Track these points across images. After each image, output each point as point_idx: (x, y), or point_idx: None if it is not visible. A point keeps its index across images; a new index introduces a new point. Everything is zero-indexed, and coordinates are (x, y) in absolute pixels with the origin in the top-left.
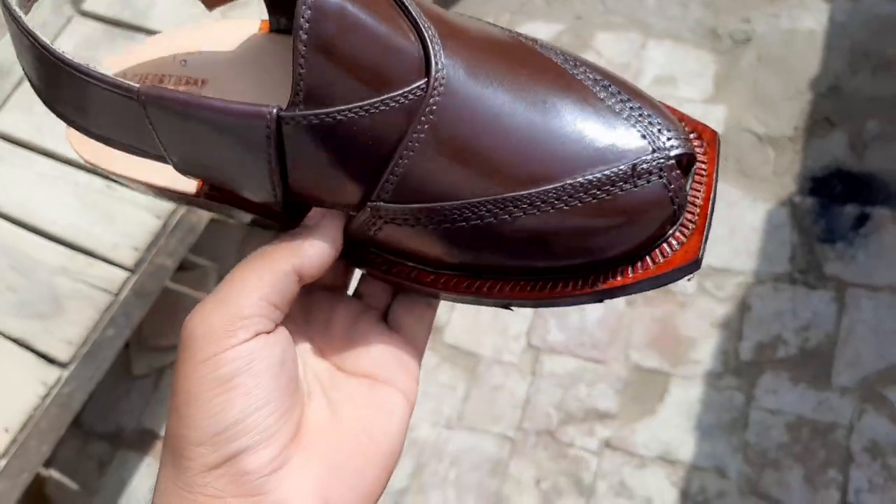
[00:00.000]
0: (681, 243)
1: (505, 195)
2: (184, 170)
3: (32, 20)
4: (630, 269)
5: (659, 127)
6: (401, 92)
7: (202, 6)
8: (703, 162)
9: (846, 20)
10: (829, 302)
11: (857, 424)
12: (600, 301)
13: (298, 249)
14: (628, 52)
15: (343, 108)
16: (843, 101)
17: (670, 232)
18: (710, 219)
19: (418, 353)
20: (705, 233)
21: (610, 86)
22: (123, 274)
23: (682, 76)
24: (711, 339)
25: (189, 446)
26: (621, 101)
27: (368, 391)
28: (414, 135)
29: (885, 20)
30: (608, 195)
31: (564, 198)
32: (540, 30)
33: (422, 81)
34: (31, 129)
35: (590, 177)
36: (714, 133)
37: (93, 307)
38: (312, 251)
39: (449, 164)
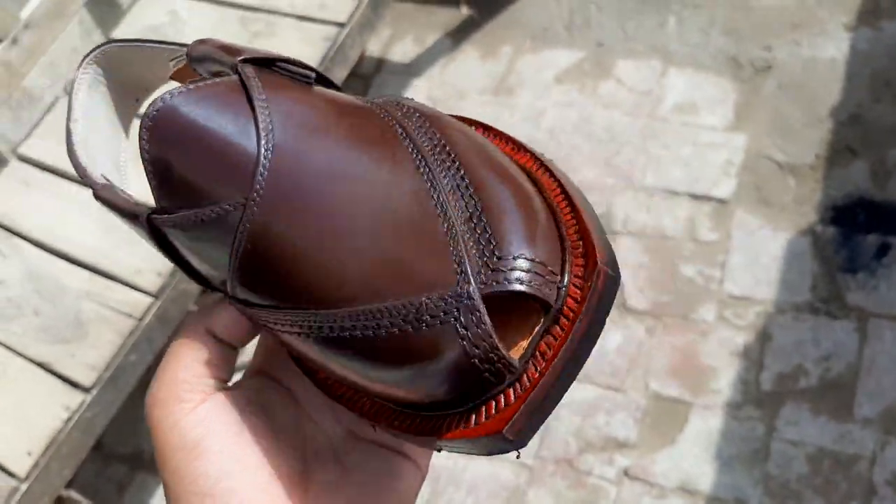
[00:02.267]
0: (502, 407)
1: (310, 310)
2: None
3: (61, 45)
4: (456, 421)
5: (489, 259)
6: (225, 201)
7: (229, 33)
8: (570, 310)
9: (868, 48)
10: (850, 332)
11: (879, 456)
12: (437, 450)
13: (208, 312)
14: (649, 80)
15: (178, 215)
16: (865, 130)
17: (498, 391)
18: (550, 391)
19: None
20: (527, 406)
21: (465, 186)
22: (147, 299)
23: (702, 104)
24: (732, 368)
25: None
26: (463, 213)
27: (380, 457)
28: (238, 244)
29: None
30: (400, 332)
31: (367, 323)
32: (561, 57)
33: (239, 196)
34: (59, 154)
35: (388, 305)
36: (599, 269)
37: (116, 332)
38: (223, 314)
39: (271, 273)
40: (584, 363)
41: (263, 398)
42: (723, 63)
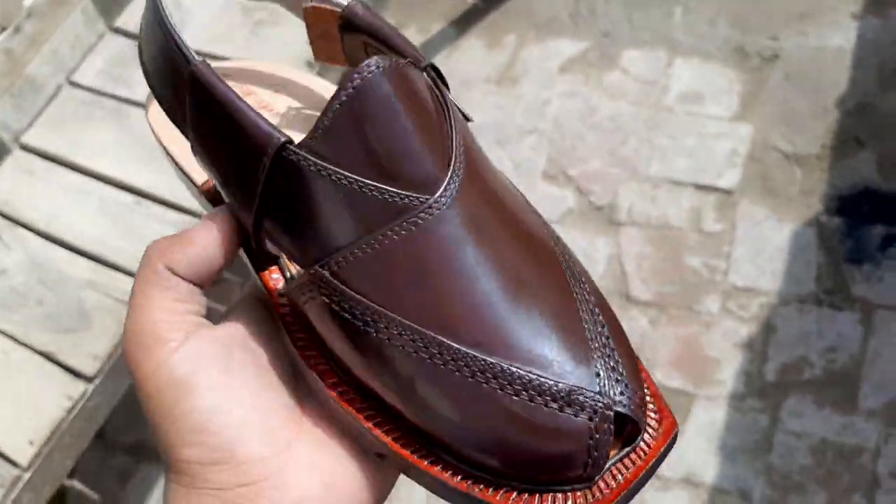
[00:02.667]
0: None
1: (440, 337)
2: (195, 155)
3: (64, 33)
4: (514, 492)
5: (619, 379)
6: (399, 190)
7: (232, 22)
8: (647, 445)
9: (875, 38)
10: (855, 324)
11: (883, 448)
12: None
13: (167, 250)
14: (655, 70)
15: (342, 172)
16: (872, 120)
17: (570, 488)
18: None
19: None
20: None
21: (598, 314)
22: None
23: (708, 94)
24: (735, 360)
25: (180, 450)
26: (600, 332)
27: None
28: (389, 232)
29: None
30: (530, 400)
31: (489, 375)
32: (566, 47)
33: (423, 195)
34: (63, 143)
35: (523, 371)
36: (674, 424)
37: (119, 322)
38: (186, 251)
39: (405, 278)
40: (640, 491)
41: (251, 334)
42: (729, 53)
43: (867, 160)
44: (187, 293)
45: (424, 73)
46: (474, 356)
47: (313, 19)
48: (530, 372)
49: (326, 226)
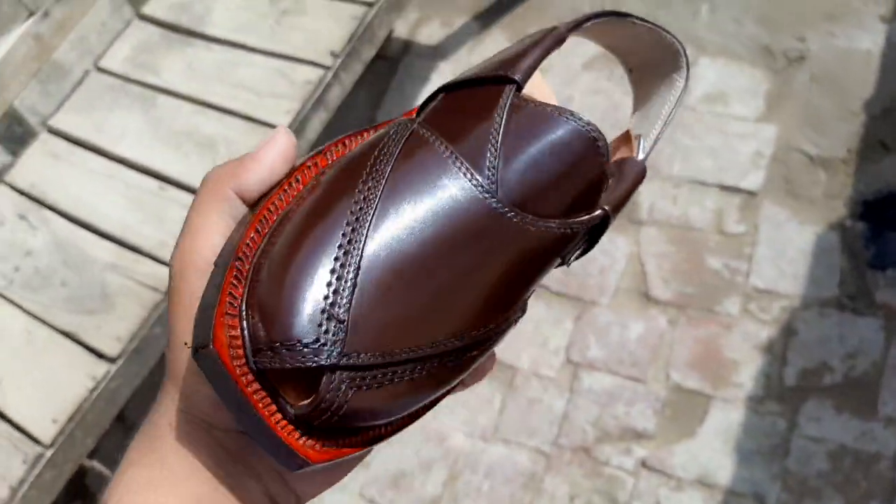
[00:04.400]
0: None
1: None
2: None
3: (92, 19)
4: None
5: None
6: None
7: (258, 11)
8: None
9: None
10: (877, 330)
11: None
12: None
13: (238, 171)
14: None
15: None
16: None
17: None
18: None
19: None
20: None
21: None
22: None
23: (733, 94)
24: (755, 362)
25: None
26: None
27: None
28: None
29: None
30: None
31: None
32: (590, 43)
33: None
34: (89, 128)
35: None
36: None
37: (141, 304)
38: (255, 172)
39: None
40: None
41: None
42: (756, 53)
43: (893, 165)
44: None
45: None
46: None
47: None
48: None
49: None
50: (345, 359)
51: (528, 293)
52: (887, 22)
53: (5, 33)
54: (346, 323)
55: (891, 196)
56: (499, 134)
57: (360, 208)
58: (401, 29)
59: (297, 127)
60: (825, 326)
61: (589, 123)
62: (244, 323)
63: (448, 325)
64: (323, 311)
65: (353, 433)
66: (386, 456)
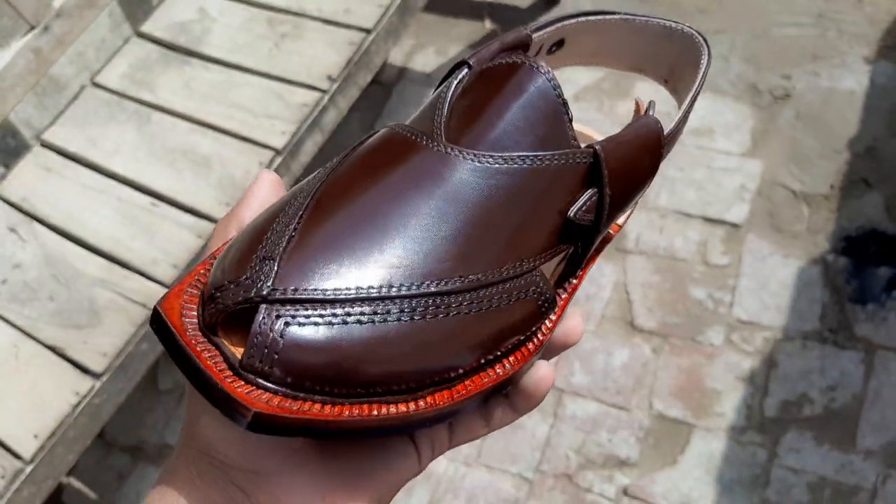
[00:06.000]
0: None
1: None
2: None
3: (91, 35)
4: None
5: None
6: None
7: (257, 34)
8: None
9: (887, 82)
10: (857, 363)
11: (880, 489)
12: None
13: (235, 215)
14: (667, 102)
15: None
16: (881, 163)
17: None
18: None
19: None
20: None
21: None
22: (162, 290)
23: (720, 129)
24: (737, 392)
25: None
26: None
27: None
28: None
29: None
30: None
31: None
32: (581, 75)
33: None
34: (83, 142)
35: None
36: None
37: (129, 320)
38: (245, 213)
39: None
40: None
41: None
42: (742, 90)
43: (875, 202)
44: None
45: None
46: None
47: None
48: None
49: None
50: (276, 293)
51: (514, 241)
52: (871, 63)
53: (5, 46)
54: (278, 259)
55: (872, 232)
56: (446, 101)
57: (319, 179)
58: (396, 56)
59: (292, 148)
60: (806, 359)
61: (530, 59)
62: (202, 295)
63: (408, 268)
64: (256, 254)
65: (314, 395)
66: None
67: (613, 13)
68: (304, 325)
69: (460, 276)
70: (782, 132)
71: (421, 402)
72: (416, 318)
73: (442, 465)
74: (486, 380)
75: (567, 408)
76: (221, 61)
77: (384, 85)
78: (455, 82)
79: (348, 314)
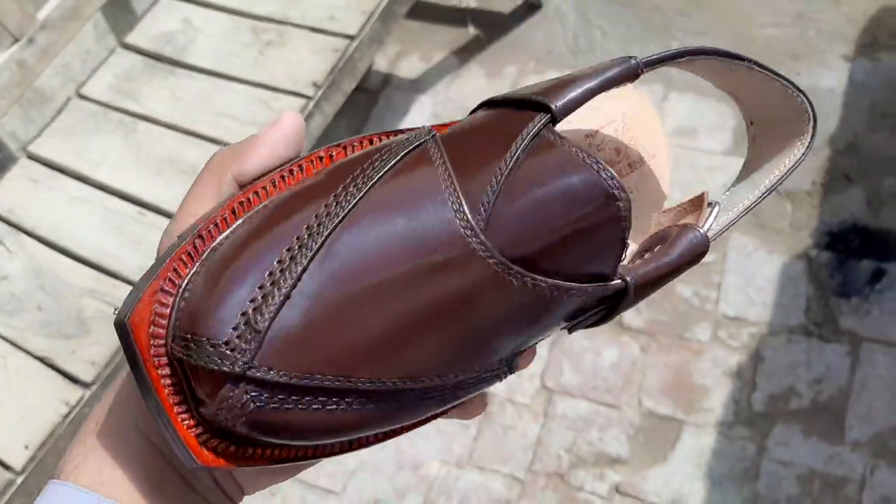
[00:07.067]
0: None
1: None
2: None
3: (75, 47)
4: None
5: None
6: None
7: (242, 42)
8: None
9: (865, 80)
10: (843, 356)
11: (869, 480)
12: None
13: (237, 154)
14: (651, 103)
15: None
16: (861, 159)
17: None
18: None
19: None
20: None
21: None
22: None
23: (702, 128)
24: (724, 388)
25: None
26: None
27: None
28: None
29: None
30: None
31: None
32: None
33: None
34: (69, 153)
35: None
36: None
37: None
38: (256, 155)
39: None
40: None
41: None
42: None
43: (856, 197)
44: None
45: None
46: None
47: None
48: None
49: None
50: (251, 371)
51: (509, 349)
52: (850, 61)
53: None
54: (263, 334)
55: (854, 227)
56: (507, 168)
57: (327, 215)
58: (381, 62)
59: None
60: (792, 353)
61: (613, 177)
62: (176, 302)
63: (395, 363)
64: (243, 314)
65: (264, 446)
66: (360, 483)
67: (739, 58)
68: (275, 408)
69: (438, 375)
70: None
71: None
72: (380, 408)
73: (434, 468)
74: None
75: (557, 407)
76: (206, 70)
77: (370, 91)
78: (528, 137)
79: (324, 402)
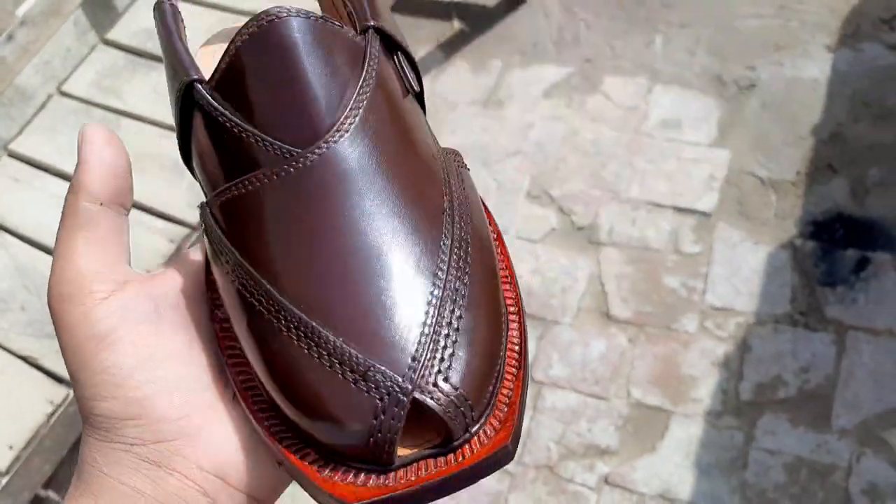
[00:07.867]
0: (359, 482)
1: (265, 283)
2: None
3: (56, 44)
4: (317, 464)
5: (444, 372)
6: (273, 140)
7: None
8: (470, 451)
9: (848, 70)
10: (829, 344)
11: (855, 467)
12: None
13: (78, 185)
14: (635, 96)
15: (227, 115)
16: (845, 148)
17: (366, 467)
18: (407, 499)
19: None
20: (385, 499)
21: (463, 301)
22: None
23: (687, 120)
24: (712, 378)
25: (95, 404)
26: (449, 323)
27: None
28: (254, 178)
29: (885, 70)
30: (330, 366)
31: (301, 332)
32: (550, 72)
33: (295, 148)
34: (51, 151)
35: (332, 337)
36: (504, 438)
37: None
38: (91, 172)
39: (259, 225)
40: (446, 495)
41: (183, 294)
42: (707, 81)
43: (840, 187)
44: (114, 230)
45: (362, 35)
46: (291, 310)
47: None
48: (341, 340)
49: (215, 166)
50: (411, 383)
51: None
52: (832, 51)
53: None
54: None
55: (839, 216)
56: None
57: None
58: None
59: None
60: (779, 342)
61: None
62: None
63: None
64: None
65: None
66: None
67: None
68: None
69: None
70: (748, 122)
71: None
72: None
73: None
74: None
75: (546, 399)
76: None
77: None
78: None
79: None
